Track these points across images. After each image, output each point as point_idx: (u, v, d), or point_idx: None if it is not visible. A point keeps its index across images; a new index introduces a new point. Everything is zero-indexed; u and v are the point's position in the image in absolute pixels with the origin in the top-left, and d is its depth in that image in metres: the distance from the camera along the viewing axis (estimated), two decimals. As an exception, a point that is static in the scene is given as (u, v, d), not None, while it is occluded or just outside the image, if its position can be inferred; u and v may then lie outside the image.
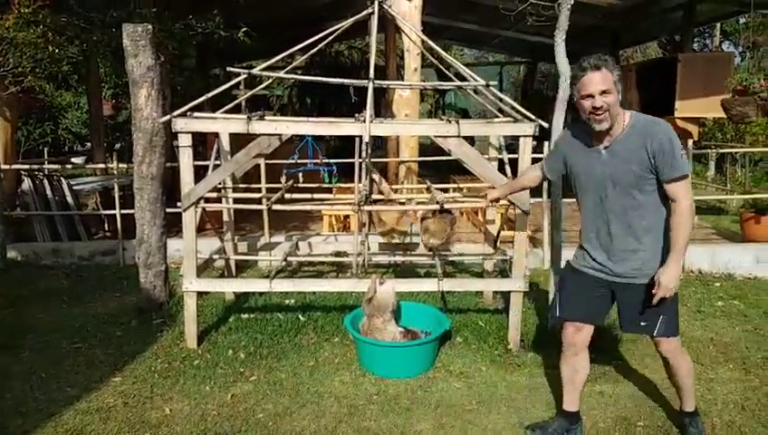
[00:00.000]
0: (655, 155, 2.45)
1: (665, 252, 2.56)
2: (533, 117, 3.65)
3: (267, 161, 5.50)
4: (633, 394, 3.27)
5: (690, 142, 6.02)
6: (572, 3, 3.40)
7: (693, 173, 8.87)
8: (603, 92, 2.46)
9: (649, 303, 2.56)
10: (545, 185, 4.91)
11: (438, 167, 9.81)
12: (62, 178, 6.76)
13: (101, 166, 8.05)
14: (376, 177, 4.41)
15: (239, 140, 4.12)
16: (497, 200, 3.42)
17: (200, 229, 4.62)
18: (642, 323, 2.65)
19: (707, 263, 5.66)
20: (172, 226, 4.83)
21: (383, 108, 6.74)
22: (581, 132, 2.70)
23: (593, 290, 2.75)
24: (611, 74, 2.49)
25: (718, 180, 10.26)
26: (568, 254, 3.07)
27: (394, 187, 5.07)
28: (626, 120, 2.56)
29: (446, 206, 3.98)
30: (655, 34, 12.42)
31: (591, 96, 2.47)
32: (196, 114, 3.73)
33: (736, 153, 10.14)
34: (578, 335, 2.80)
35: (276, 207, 4.05)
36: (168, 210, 4.50)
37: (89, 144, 13.35)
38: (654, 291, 2.52)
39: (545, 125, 3.62)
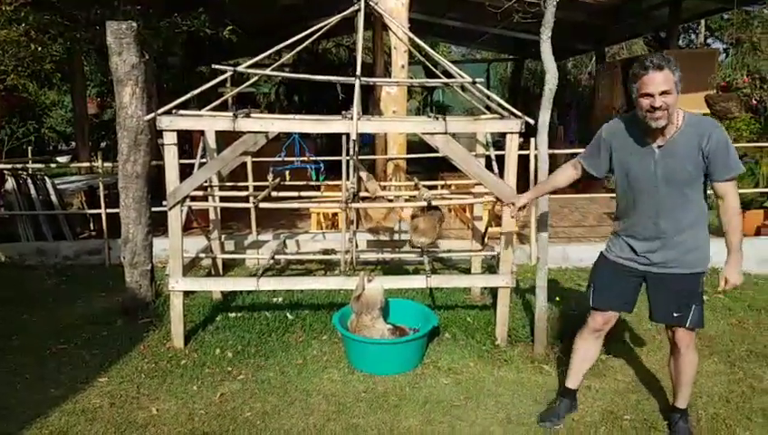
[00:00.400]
0: (710, 154, 2.50)
1: (704, 243, 2.67)
2: (520, 114, 3.66)
3: (254, 159, 5.48)
4: (619, 389, 3.30)
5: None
6: (558, 0, 3.41)
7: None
8: (663, 93, 2.46)
9: (681, 294, 2.66)
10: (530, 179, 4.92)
11: (427, 164, 9.84)
12: (46, 178, 6.68)
13: (86, 165, 7.97)
14: (363, 174, 4.40)
15: (226, 138, 4.10)
16: (524, 207, 3.17)
17: (187, 228, 4.59)
18: (675, 314, 2.70)
19: (692, 257, 5.71)
20: (159, 225, 4.79)
21: (371, 105, 6.73)
22: (632, 127, 2.68)
23: (627, 281, 2.81)
24: (673, 75, 2.48)
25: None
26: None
27: (382, 184, 5.06)
28: (679, 120, 2.56)
29: (434, 203, 3.99)
30: (641, 31, 12.49)
31: (651, 95, 2.47)
32: (181, 112, 3.70)
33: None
34: (605, 324, 2.91)
35: (263, 205, 4.03)
36: (155, 209, 4.46)
37: (73, 143, 13.23)
38: (721, 288, 2.65)
39: (531, 122, 3.64)
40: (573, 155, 3.36)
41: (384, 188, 4.94)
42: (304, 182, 5.20)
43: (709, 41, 18.23)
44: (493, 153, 4.33)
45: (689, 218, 2.63)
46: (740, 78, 5.24)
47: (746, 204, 6.03)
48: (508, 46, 15.06)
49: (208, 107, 3.93)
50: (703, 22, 15.78)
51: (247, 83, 4.47)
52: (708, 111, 5.84)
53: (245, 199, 4.51)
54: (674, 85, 2.47)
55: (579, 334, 3.02)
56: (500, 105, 3.87)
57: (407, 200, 4.53)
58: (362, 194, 4.36)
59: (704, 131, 2.52)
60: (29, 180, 6.42)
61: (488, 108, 4.09)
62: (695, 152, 2.52)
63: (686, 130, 2.55)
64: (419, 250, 4.38)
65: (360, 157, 4.09)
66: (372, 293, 3.65)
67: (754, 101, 5.29)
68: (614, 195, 2.90)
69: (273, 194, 4.37)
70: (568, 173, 3.02)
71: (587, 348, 2.99)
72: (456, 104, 17.77)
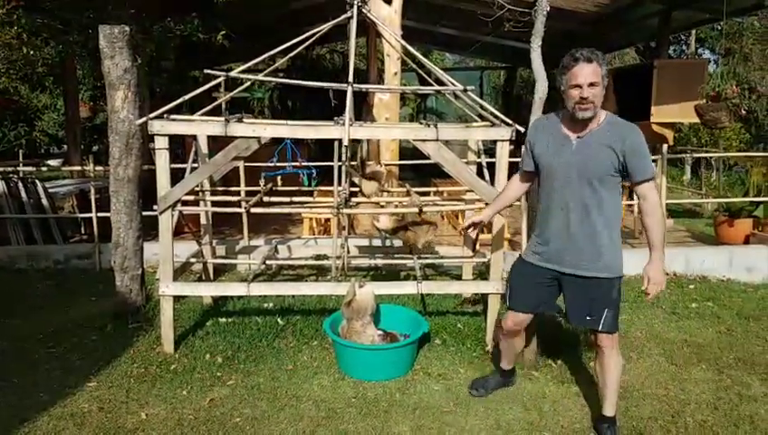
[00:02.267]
0: (626, 156, 2.58)
1: (617, 249, 2.72)
2: (511, 121, 3.69)
3: (247, 164, 5.48)
4: (608, 395, 3.31)
5: (665, 147, 6.11)
6: (548, 9, 3.45)
7: (669, 177, 9.03)
8: (591, 84, 2.56)
9: (594, 298, 2.71)
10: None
11: (419, 170, 9.86)
12: (36, 181, 6.65)
13: (78, 168, 7.94)
14: (356, 179, 4.41)
15: (218, 143, 4.10)
16: (478, 225, 3.22)
17: (178, 233, 4.59)
18: (588, 318, 2.76)
19: (682, 265, 5.76)
20: (150, 229, 4.78)
21: (364, 112, 6.76)
22: (553, 122, 2.80)
23: (541, 282, 2.88)
24: (601, 68, 2.59)
25: (693, 184, 10.45)
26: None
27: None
28: (602, 118, 2.68)
29: (425, 209, 4.01)
30: (632, 41, 12.60)
31: (580, 86, 2.57)
32: (173, 116, 3.70)
33: (711, 157, 10.34)
34: (515, 326, 3.06)
35: (255, 210, 4.03)
36: (146, 213, 4.45)
37: (65, 146, 13.16)
38: (644, 287, 2.65)
39: (522, 129, 3.66)
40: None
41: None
42: (296, 188, 5.21)
43: (699, 51, 18.41)
44: (484, 160, 4.36)
45: (602, 220, 2.68)
46: (729, 88, 5.29)
47: (736, 213, 6.09)
48: (501, 54, 15.13)
49: (200, 112, 3.94)
50: (693, 32, 15.93)
51: (240, 88, 4.47)
52: (698, 120, 5.89)
53: (237, 204, 4.52)
54: (601, 79, 2.58)
55: (500, 329, 3.19)
56: (491, 113, 3.90)
57: (397, 206, 4.55)
58: (356, 200, 4.38)
59: (623, 132, 2.62)
60: (20, 183, 6.38)
61: (480, 116, 4.12)
62: (609, 151, 2.60)
63: (607, 127, 2.66)
64: (411, 256, 4.39)
65: (351, 163, 4.11)
66: (363, 299, 3.65)
67: (744, 111, 5.34)
68: None
69: (265, 199, 4.37)
70: (515, 185, 3.13)
71: (509, 344, 3.21)
72: (450, 111, 17.83)
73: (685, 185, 10.08)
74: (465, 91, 4.00)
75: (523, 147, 2.96)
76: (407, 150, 9.91)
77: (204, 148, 4.46)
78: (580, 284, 2.75)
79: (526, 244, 3.01)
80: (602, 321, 2.73)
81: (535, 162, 2.86)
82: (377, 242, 5.63)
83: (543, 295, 2.93)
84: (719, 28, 14.80)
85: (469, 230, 3.29)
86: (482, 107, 4.06)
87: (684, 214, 8.59)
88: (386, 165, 5.73)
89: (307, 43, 4.17)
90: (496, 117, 3.82)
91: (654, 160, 7.84)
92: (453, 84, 4.05)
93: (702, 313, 4.66)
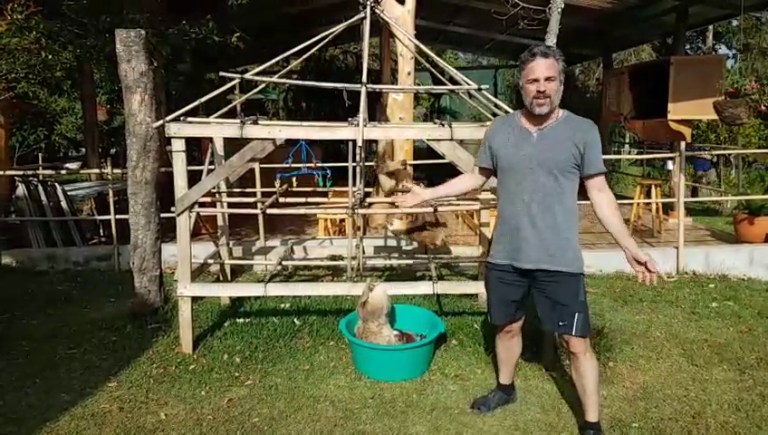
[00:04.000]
0: (585, 149, 2.62)
1: (577, 245, 2.73)
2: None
3: (262, 165, 5.51)
4: (627, 396, 3.28)
5: (683, 144, 6.04)
6: (563, 6, 3.42)
7: (687, 175, 8.92)
8: (548, 79, 2.59)
9: (563, 301, 2.71)
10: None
11: (433, 170, 9.83)
12: (56, 184, 6.75)
13: (96, 171, 8.05)
14: (383, 176, 4.40)
15: (234, 145, 4.13)
16: (414, 203, 3.14)
17: (195, 234, 4.62)
18: (561, 323, 2.75)
19: (702, 264, 5.69)
20: (167, 231, 4.82)
21: (379, 112, 6.77)
22: (512, 119, 2.83)
23: (513, 288, 2.86)
24: (557, 64, 2.62)
25: (712, 182, 10.32)
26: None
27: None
28: (560, 114, 2.72)
29: (440, 209, 4.01)
30: (648, 37, 12.46)
31: (537, 81, 2.60)
32: (189, 119, 3.73)
33: (730, 155, 10.20)
34: (510, 332, 3.05)
35: (270, 211, 4.05)
36: (163, 215, 4.50)
37: (83, 150, 13.34)
38: (641, 276, 2.62)
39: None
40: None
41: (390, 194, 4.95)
42: (311, 188, 5.23)
43: (717, 46, 18.17)
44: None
45: (562, 213, 2.68)
46: (748, 84, 5.21)
47: (756, 210, 6.00)
48: (515, 52, 15.06)
49: (216, 114, 3.97)
50: (710, 27, 15.73)
51: (255, 90, 4.50)
52: (716, 117, 5.81)
53: (253, 205, 4.54)
54: (557, 74, 2.61)
55: (496, 337, 3.14)
56: (506, 112, 3.87)
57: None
58: (370, 200, 4.38)
59: (581, 127, 2.68)
60: (39, 187, 6.48)
61: (494, 114, 4.10)
62: (569, 143, 2.64)
63: (565, 121, 2.71)
64: (426, 257, 4.38)
65: (366, 163, 4.11)
66: (376, 300, 3.65)
67: (763, 108, 5.26)
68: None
69: (281, 200, 4.39)
70: (467, 177, 3.12)
71: (505, 348, 3.13)
72: (464, 111, 17.79)
73: (703, 183, 9.96)
74: (479, 89, 3.99)
75: (481, 147, 2.95)
76: (421, 150, 9.90)
77: (220, 150, 4.49)
78: (547, 283, 2.73)
79: (491, 247, 2.96)
80: (575, 326, 2.71)
81: (493, 159, 2.84)
82: (392, 242, 5.63)
83: (519, 301, 2.91)
84: (736, 23, 14.59)
85: (400, 203, 3.23)
86: (496, 106, 4.04)
87: (703, 212, 8.48)
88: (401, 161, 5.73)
89: (320, 45, 4.19)
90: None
91: (671, 158, 7.79)
92: (467, 83, 4.04)
93: (722, 312, 4.59)
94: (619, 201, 3.13)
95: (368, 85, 3.76)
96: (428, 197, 3.16)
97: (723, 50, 19.07)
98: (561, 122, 2.70)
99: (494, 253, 2.89)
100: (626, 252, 2.65)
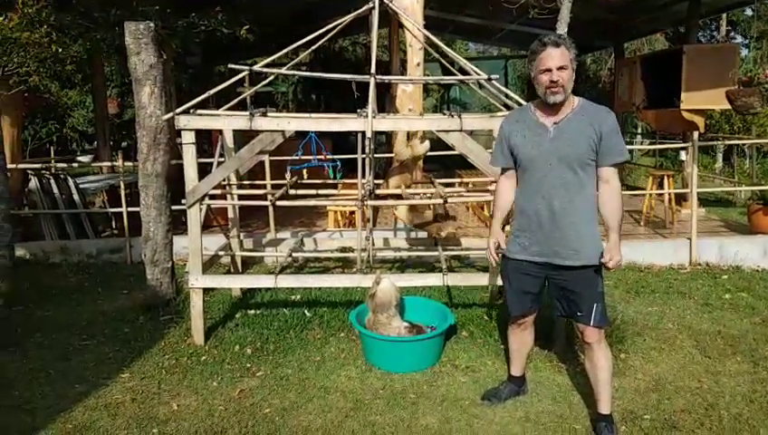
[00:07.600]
0: (603, 138, 2.58)
1: (598, 237, 2.70)
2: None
3: (272, 158, 5.52)
4: (639, 388, 3.27)
5: (696, 134, 5.97)
6: (574, -5, 3.39)
7: (700, 165, 8.83)
8: (560, 68, 2.56)
9: (582, 292, 2.70)
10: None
11: (444, 162, 9.80)
12: (68, 177, 6.80)
13: (107, 164, 8.09)
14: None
15: (245, 137, 4.13)
16: (499, 247, 2.93)
17: (206, 226, 4.64)
18: (579, 314, 2.74)
19: (715, 255, 5.64)
20: (179, 223, 4.85)
21: (388, 103, 6.74)
22: (526, 113, 2.78)
23: (531, 279, 2.84)
24: (569, 52, 2.60)
25: (726, 172, 10.21)
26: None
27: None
28: (575, 103, 2.69)
29: (450, 200, 3.99)
30: (660, 26, 12.29)
31: (549, 70, 2.57)
32: (199, 111, 3.74)
33: (744, 145, 10.08)
34: (523, 323, 3.03)
35: (280, 203, 4.06)
36: (174, 207, 4.52)
37: (95, 143, 13.41)
38: (605, 261, 2.62)
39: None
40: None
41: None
42: (321, 180, 5.23)
43: (731, 35, 17.91)
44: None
45: (584, 206, 2.65)
46: (762, 72, 5.15)
47: (772, 201, 5.93)
48: (526, 42, 14.92)
49: (226, 106, 3.97)
50: (724, 16, 15.50)
51: (264, 82, 4.49)
52: (730, 106, 5.73)
53: (263, 198, 4.55)
54: (569, 62, 2.58)
55: (509, 328, 3.12)
56: (517, 102, 3.85)
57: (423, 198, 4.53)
58: (379, 191, 4.37)
59: (599, 115, 2.63)
60: (52, 180, 6.54)
61: (506, 105, 4.07)
62: (588, 132, 2.60)
63: (582, 111, 2.66)
64: (436, 249, 4.37)
65: (376, 155, 4.10)
66: (384, 292, 3.65)
67: (777, 97, 5.20)
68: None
69: (291, 192, 4.39)
70: (505, 188, 2.90)
71: (518, 340, 3.10)
72: (474, 102, 17.69)
73: (716, 173, 9.85)
74: (490, 80, 3.96)
75: (496, 143, 2.89)
76: (431, 142, 9.86)
77: (230, 142, 4.49)
78: (567, 275, 2.71)
79: (508, 240, 2.91)
80: (593, 316, 2.70)
81: (513, 156, 2.79)
82: (402, 234, 5.62)
83: (537, 293, 2.90)
84: (751, 12, 14.38)
85: (497, 256, 2.97)
86: (507, 96, 4.01)
87: (716, 203, 8.39)
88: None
89: (329, 36, 4.17)
90: (521, 106, 3.77)
91: (684, 148, 7.71)
92: (477, 73, 4.01)
93: (736, 303, 4.55)
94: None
95: (377, 76, 3.74)
96: (497, 229, 2.94)
97: (737, 39, 18.80)
98: (578, 112, 2.65)
99: (512, 247, 2.85)
100: (611, 242, 2.64)
